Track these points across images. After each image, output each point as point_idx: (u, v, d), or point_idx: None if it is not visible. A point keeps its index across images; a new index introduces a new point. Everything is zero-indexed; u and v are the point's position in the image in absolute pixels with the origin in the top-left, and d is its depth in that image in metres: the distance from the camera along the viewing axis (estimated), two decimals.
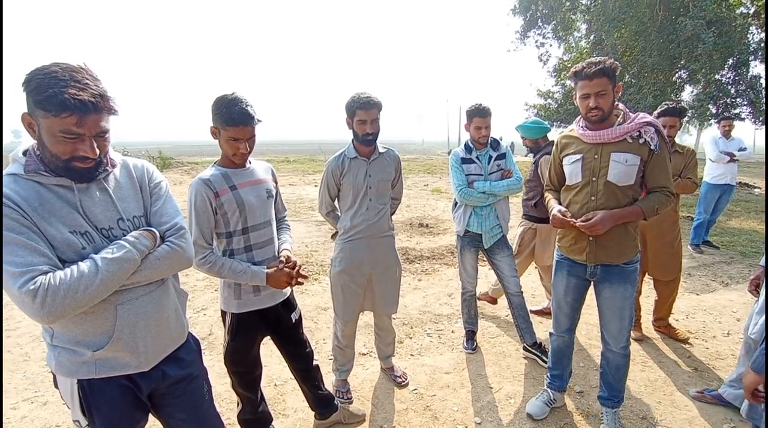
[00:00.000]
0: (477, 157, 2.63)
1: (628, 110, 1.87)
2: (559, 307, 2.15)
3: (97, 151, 1.04)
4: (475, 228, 2.68)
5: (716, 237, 5.86)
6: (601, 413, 2.15)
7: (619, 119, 1.84)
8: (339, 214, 2.31)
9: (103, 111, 1.02)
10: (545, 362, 2.65)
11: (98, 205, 1.10)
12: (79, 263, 1.01)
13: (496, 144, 2.68)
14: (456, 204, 2.80)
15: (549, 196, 2.11)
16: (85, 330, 1.08)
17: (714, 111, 10.59)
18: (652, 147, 1.77)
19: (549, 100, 13.31)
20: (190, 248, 1.23)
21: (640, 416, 2.25)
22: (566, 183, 2.00)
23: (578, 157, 1.90)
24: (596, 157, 1.85)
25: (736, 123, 5.56)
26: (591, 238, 1.89)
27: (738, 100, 10.45)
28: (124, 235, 1.11)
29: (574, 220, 1.83)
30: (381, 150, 2.21)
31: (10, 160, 1.07)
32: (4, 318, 3.27)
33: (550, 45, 13.81)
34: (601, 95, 1.75)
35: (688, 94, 11.97)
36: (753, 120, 10.58)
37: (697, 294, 3.94)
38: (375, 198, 2.19)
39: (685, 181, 2.88)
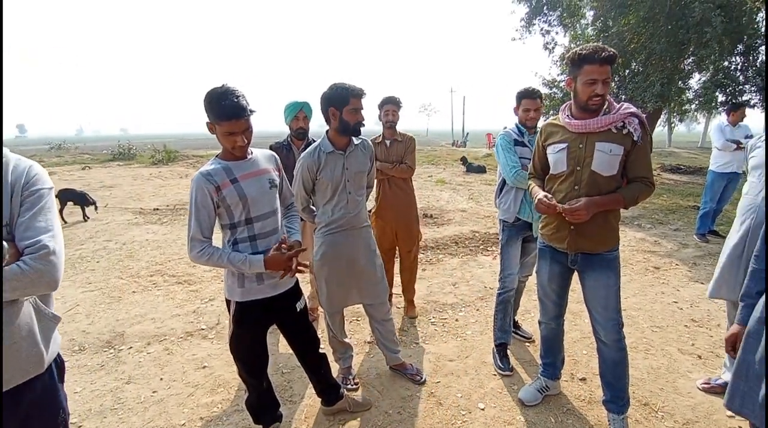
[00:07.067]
0: (529, 142, 2.56)
1: (612, 100, 1.86)
2: (545, 294, 2.17)
3: None
4: (526, 216, 2.53)
5: (723, 226, 5.82)
6: (608, 420, 2.06)
7: (604, 109, 1.83)
8: (313, 207, 2.28)
9: None
10: (523, 337, 2.96)
11: None
12: None
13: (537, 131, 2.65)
14: (501, 189, 2.64)
15: (532, 184, 2.11)
16: None
17: (722, 99, 10.40)
18: (635, 138, 1.77)
19: (554, 89, 13.12)
20: (52, 270, 1.05)
21: (642, 402, 2.28)
22: (551, 172, 2.00)
23: (563, 145, 1.90)
24: (581, 146, 1.85)
25: (746, 110, 5.45)
26: (572, 227, 1.90)
27: (746, 86, 10.24)
28: None
29: (560, 206, 1.85)
30: (356, 141, 2.17)
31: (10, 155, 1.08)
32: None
33: (556, 33, 13.55)
34: (606, 83, 1.75)
35: (695, 81, 11.76)
36: (763, 107, 10.37)
37: (702, 284, 3.94)
38: (354, 190, 2.17)
39: (403, 166, 3.10)
